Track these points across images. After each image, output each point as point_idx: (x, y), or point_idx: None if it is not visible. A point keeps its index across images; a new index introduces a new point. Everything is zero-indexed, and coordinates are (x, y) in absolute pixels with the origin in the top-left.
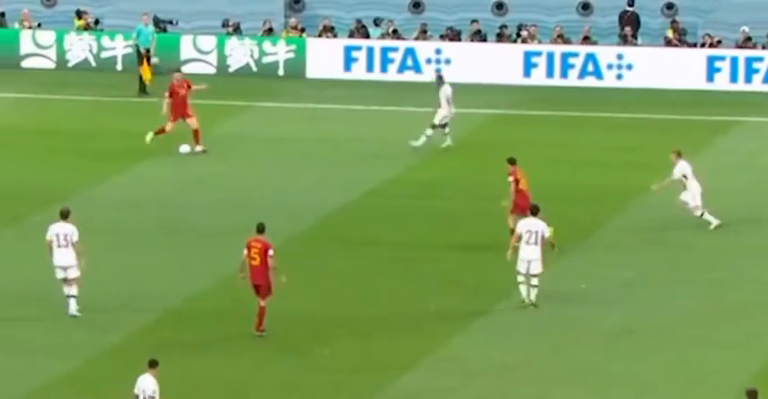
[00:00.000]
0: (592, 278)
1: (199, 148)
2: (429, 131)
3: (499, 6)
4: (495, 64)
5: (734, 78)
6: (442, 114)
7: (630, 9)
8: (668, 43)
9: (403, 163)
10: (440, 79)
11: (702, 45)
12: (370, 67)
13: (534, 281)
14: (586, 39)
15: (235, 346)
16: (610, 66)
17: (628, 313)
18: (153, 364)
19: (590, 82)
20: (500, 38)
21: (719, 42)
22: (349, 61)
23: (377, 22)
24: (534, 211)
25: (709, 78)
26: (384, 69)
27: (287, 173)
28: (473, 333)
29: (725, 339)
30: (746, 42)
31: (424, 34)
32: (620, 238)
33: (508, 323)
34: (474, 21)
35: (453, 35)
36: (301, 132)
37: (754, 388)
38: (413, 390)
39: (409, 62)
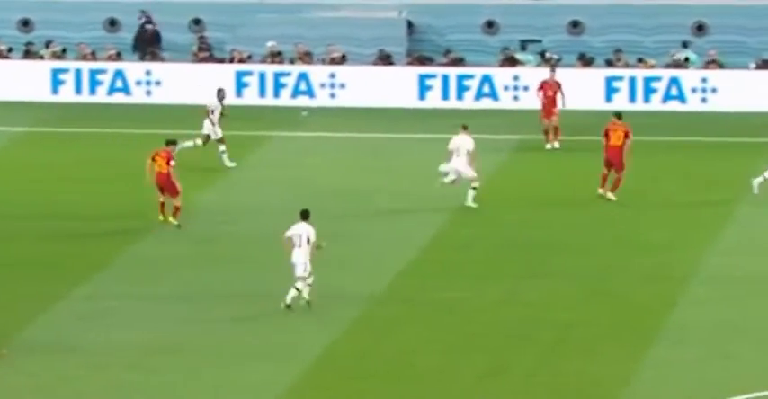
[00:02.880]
0: (127, 295)
1: None
2: None
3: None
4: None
5: (262, 93)
6: None
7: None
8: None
9: None
10: None
11: (231, 60)
12: None
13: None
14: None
15: None
16: (138, 83)
17: (165, 329)
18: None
19: (119, 98)
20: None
21: (249, 57)
22: None
23: None
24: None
25: (238, 93)
26: None
27: None
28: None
29: (261, 352)
30: (273, 57)
31: None
32: (156, 253)
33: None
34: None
35: None
36: None
37: None
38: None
39: None
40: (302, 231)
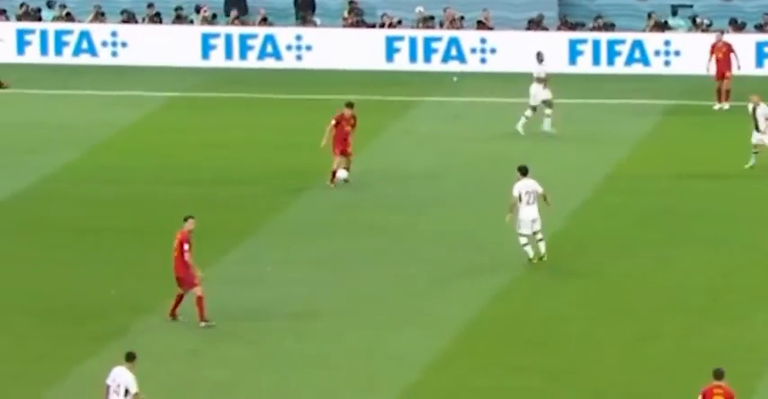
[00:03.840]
0: (277, 261)
1: None
2: None
3: None
4: (171, 46)
5: (413, 58)
6: None
7: None
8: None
9: (84, 147)
10: None
11: (381, 25)
12: (44, 51)
13: (540, 236)
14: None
15: None
16: (289, 48)
17: (313, 295)
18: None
19: (269, 63)
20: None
21: (399, 22)
22: (22, 45)
23: (50, 5)
24: (525, 172)
25: (389, 58)
26: (59, 52)
27: None
28: (155, 319)
29: (410, 319)
30: (425, 22)
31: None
32: (304, 219)
33: (188, 308)
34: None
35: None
36: None
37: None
38: (96, 377)
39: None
40: (530, 188)
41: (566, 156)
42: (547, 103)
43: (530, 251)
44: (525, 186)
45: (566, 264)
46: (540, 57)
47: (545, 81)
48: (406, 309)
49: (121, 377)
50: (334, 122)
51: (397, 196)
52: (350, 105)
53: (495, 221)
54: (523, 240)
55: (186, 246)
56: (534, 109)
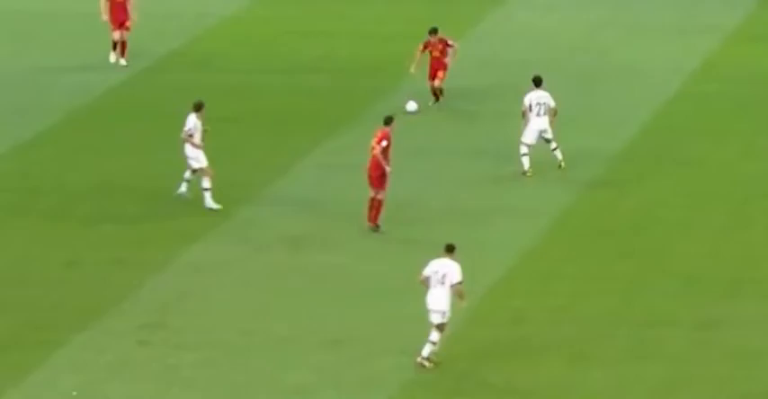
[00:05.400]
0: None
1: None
2: None
3: None
4: None
5: None
6: None
7: None
8: None
9: (187, 36)
10: None
11: None
12: None
13: (554, 145)
14: None
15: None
16: None
17: (411, 183)
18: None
19: None
20: None
21: None
22: None
23: None
24: (538, 83)
25: None
26: None
27: None
28: (262, 203)
29: (508, 206)
30: None
31: None
32: (401, 108)
33: (288, 194)
34: None
35: None
36: None
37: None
38: (202, 262)
39: None
40: (542, 99)
41: (659, 46)
42: None
43: (526, 162)
44: (537, 97)
45: (659, 152)
46: None
47: None
48: (499, 200)
49: (445, 268)
50: (421, 47)
51: (494, 85)
52: (433, 31)
53: (591, 109)
54: (524, 149)
55: (385, 143)
56: None
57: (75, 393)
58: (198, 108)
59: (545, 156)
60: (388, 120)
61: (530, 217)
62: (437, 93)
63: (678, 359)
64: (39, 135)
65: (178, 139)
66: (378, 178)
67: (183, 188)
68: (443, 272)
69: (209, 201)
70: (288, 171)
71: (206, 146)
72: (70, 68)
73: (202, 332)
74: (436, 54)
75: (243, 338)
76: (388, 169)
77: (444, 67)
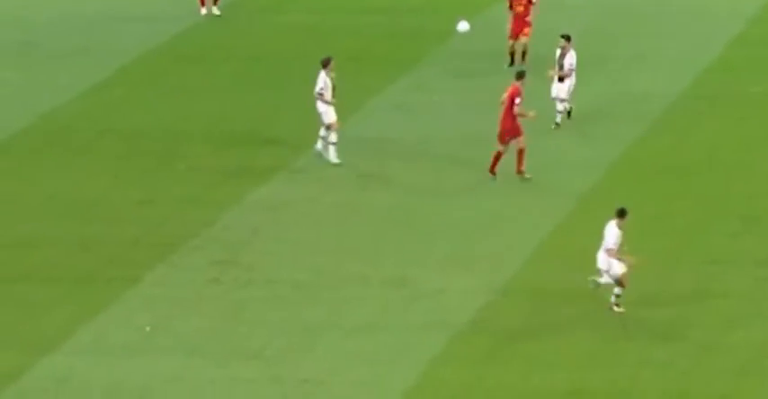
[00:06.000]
0: (443, 90)
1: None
2: None
3: None
4: None
5: None
6: None
7: None
8: None
9: None
10: None
11: None
12: None
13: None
14: None
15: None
16: None
17: (475, 123)
18: None
19: None
20: None
21: None
22: None
23: None
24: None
25: None
26: None
27: None
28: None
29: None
30: None
31: None
32: (469, 49)
33: (359, 134)
34: None
35: None
36: None
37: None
38: (272, 201)
39: None
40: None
41: None
42: None
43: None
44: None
45: (718, 91)
46: None
47: None
48: (552, 152)
49: (606, 231)
50: (508, 3)
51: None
52: None
53: (634, 52)
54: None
55: (518, 100)
56: None
57: (148, 328)
58: (325, 64)
59: (612, 98)
60: (520, 75)
61: (580, 167)
62: (515, 54)
63: (740, 295)
64: (110, 76)
65: (250, 83)
66: (510, 130)
67: (319, 145)
68: (605, 235)
69: (333, 155)
70: (359, 109)
71: (279, 84)
72: (138, 17)
73: (273, 269)
74: (520, 9)
75: (312, 276)
76: (532, 114)
77: (529, 24)
